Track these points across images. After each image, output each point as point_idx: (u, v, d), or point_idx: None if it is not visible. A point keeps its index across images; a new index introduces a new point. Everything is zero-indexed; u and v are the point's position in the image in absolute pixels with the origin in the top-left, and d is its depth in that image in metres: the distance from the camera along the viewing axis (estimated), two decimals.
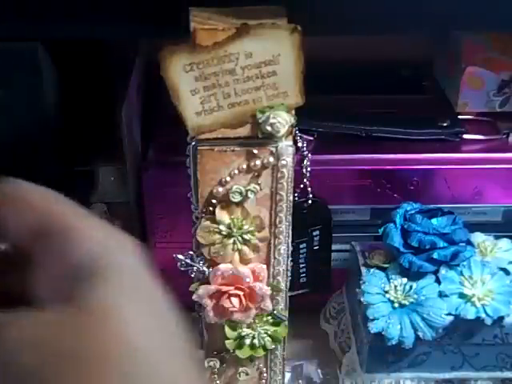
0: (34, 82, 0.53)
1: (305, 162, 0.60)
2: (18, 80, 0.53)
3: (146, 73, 0.69)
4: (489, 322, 0.53)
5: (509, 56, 0.62)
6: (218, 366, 0.53)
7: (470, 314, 0.52)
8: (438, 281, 0.54)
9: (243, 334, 0.50)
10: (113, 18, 0.49)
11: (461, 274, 0.54)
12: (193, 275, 0.48)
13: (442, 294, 0.53)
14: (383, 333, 0.53)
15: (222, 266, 0.47)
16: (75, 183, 0.60)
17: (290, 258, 0.49)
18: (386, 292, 0.54)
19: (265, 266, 0.48)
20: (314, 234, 0.62)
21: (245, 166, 0.45)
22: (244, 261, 0.47)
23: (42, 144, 0.56)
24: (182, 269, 0.48)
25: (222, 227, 0.46)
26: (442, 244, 0.53)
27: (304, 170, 0.60)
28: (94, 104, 0.62)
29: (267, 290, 0.48)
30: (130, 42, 0.63)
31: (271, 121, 0.43)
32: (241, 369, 0.53)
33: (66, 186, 0.59)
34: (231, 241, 0.46)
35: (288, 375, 0.60)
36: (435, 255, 0.53)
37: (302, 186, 0.60)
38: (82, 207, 0.31)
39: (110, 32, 0.50)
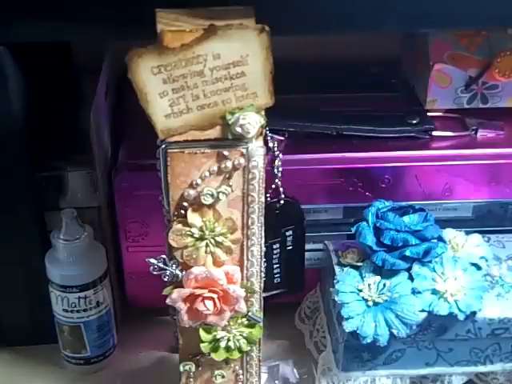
0: None
1: (276, 162, 0.60)
2: None
3: (114, 74, 0.69)
4: (461, 317, 0.53)
5: (475, 53, 0.63)
6: (193, 369, 0.53)
7: (442, 309, 0.53)
8: (410, 278, 0.54)
9: (218, 336, 0.50)
10: (78, 19, 0.48)
11: (433, 270, 0.54)
12: (166, 279, 0.48)
13: (415, 291, 0.54)
14: (358, 331, 0.53)
15: (196, 269, 0.47)
16: (44, 189, 0.59)
17: (264, 259, 0.49)
18: (360, 290, 0.54)
19: (238, 268, 0.48)
20: (287, 234, 0.62)
21: (215, 168, 0.45)
22: (217, 263, 0.47)
23: (9, 150, 0.55)
24: (155, 273, 0.47)
25: (194, 230, 0.46)
26: (414, 241, 0.54)
27: (275, 171, 0.59)
28: (61, 108, 0.61)
29: (241, 292, 0.48)
30: (96, 44, 0.62)
31: (241, 122, 0.43)
32: (217, 371, 0.53)
33: (35, 192, 0.59)
34: (204, 243, 0.46)
35: (264, 376, 0.60)
36: (408, 252, 0.53)
37: (273, 186, 0.60)
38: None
39: (75, 33, 0.50)
